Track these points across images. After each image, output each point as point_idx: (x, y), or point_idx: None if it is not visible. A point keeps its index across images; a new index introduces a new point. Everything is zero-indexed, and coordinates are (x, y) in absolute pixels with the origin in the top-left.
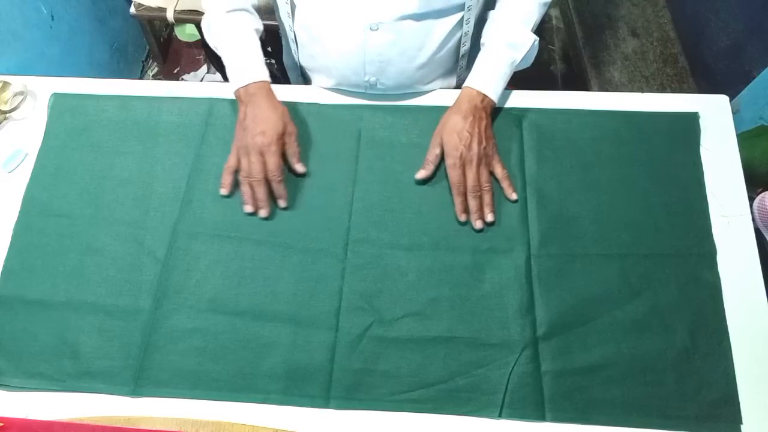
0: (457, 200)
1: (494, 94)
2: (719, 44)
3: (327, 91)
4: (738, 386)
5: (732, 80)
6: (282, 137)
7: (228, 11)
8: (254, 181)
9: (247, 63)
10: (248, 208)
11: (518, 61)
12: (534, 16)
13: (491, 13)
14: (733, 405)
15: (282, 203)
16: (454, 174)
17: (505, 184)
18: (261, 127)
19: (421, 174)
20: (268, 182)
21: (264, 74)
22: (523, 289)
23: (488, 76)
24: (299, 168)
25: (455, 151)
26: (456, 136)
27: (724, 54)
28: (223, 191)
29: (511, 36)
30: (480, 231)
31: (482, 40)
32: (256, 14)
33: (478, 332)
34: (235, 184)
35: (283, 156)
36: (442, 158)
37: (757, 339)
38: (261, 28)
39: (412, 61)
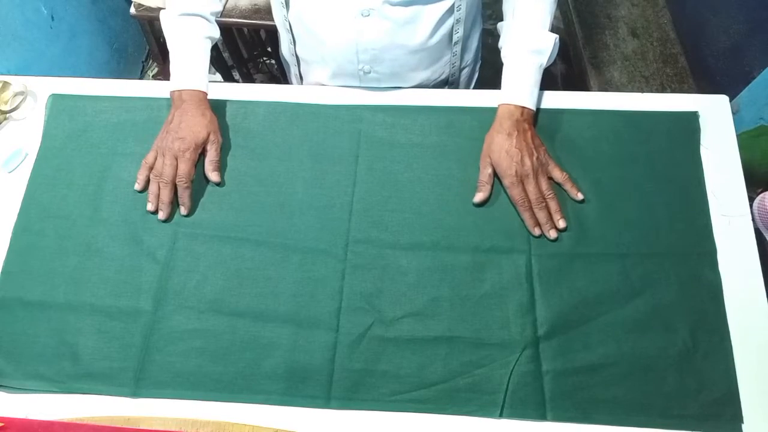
0: (526, 216)
1: (531, 103)
2: (719, 44)
3: (324, 86)
4: (739, 385)
5: (732, 80)
6: (201, 146)
7: (180, 14)
8: (162, 183)
9: (187, 69)
10: (150, 207)
11: (545, 63)
12: (548, 17)
13: (505, 24)
14: (734, 404)
15: (183, 210)
16: (515, 192)
17: (567, 186)
18: (182, 134)
19: (479, 197)
20: (175, 187)
21: (201, 84)
22: (524, 289)
23: (521, 88)
24: (213, 177)
25: (510, 171)
26: (506, 155)
27: (724, 54)
28: (137, 187)
29: (534, 42)
30: (554, 240)
31: (504, 53)
32: (212, 21)
33: (479, 332)
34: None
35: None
36: (496, 177)
37: (758, 338)
38: (216, 35)
39: (404, 48)
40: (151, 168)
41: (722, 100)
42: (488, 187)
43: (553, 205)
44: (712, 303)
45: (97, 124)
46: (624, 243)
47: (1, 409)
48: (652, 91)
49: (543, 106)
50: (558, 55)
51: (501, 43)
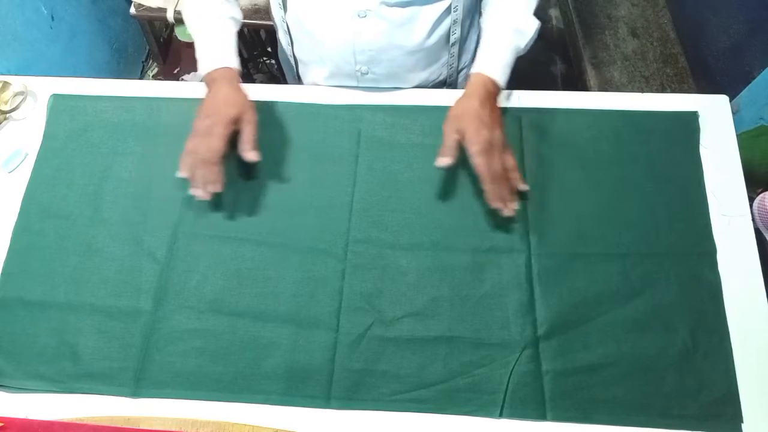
0: (490, 188)
1: (502, 80)
2: (719, 44)
3: (322, 87)
4: (739, 385)
5: (732, 80)
6: (231, 123)
7: None
8: (198, 162)
9: (215, 49)
10: (191, 190)
11: (521, 48)
12: (534, 2)
13: (489, 1)
14: (734, 404)
15: (212, 188)
16: (481, 161)
17: (514, 174)
18: (211, 111)
19: (445, 161)
20: (211, 165)
21: (232, 61)
22: (524, 289)
23: (496, 62)
24: (250, 156)
25: (479, 137)
26: (479, 121)
27: (724, 54)
28: (181, 174)
29: (517, 21)
30: (510, 217)
31: (484, 26)
32: (234, 3)
33: (479, 332)
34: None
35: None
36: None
37: (758, 338)
38: (239, 17)
39: (401, 49)
40: (190, 153)
41: (722, 100)
42: (454, 152)
43: (514, 186)
44: (711, 303)
45: (98, 124)
46: (624, 243)
47: (1, 409)
48: (652, 91)
49: (543, 106)
50: (558, 55)
51: (482, 19)
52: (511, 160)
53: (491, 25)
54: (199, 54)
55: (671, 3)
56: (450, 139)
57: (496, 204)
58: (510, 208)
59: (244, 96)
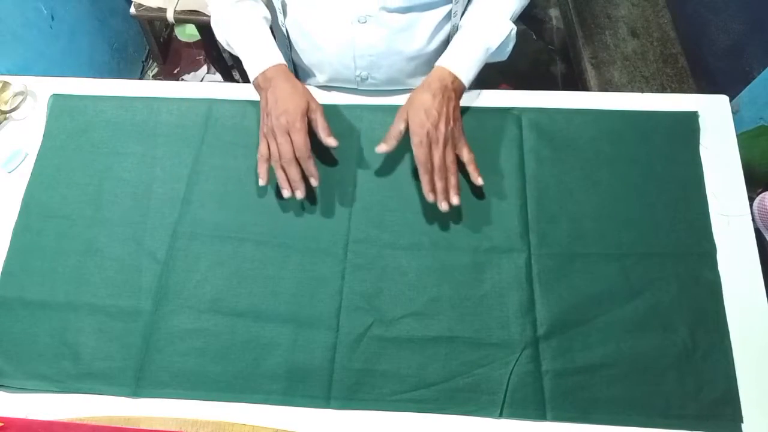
0: (424, 179)
1: (465, 78)
2: (719, 44)
3: (321, 89)
4: (738, 385)
5: (732, 80)
6: (306, 114)
7: (235, 2)
8: (285, 162)
9: (260, 50)
10: (285, 193)
11: (493, 49)
12: (513, 7)
13: (473, 1)
14: (734, 404)
15: (314, 182)
16: (420, 152)
17: (471, 168)
18: (283, 107)
19: (382, 148)
20: (299, 162)
21: (279, 58)
22: (524, 289)
23: (461, 59)
24: (331, 142)
25: (421, 129)
26: (423, 113)
27: (724, 54)
28: (261, 182)
29: (489, 21)
30: (445, 212)
31: (460, 23)
32: (261, 3)
33: (479, 332)
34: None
35: (312, 134)
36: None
37: (757, 338)
38: (269, 16)
39: (401, 55)
40: (266, 159)
41: (722, 100)
42: (394, 141)
43: (453, 180)
44: (711, 303)
45: (98, 123)
46: (624, 243)
47: (1, 409)
48: (652, 91)
49: (543, 106)
50: (558, 55)
51: (464, 15)
52: (465, 155)
53: (463, 22)
54: (246, 59)
55: (671, 3)
56: (395, 128)
57: (428, 196)
58: (441, 203)
59: (303, 86)
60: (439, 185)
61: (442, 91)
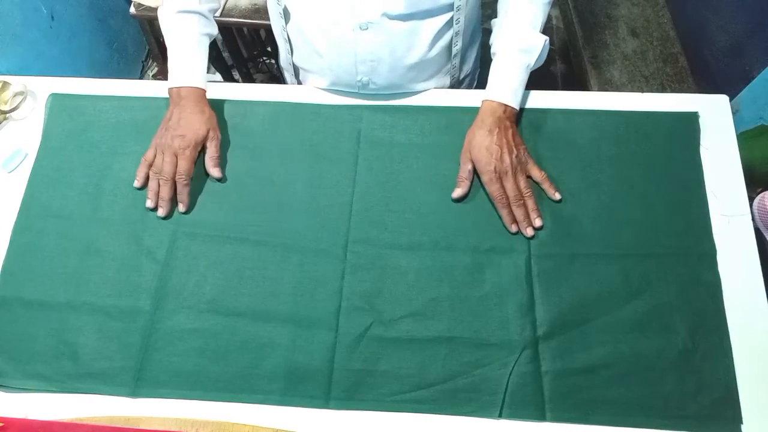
0: (504, 212)
1: (515, 102)
2: (719, 44)
3: (322, 91)
4: (738, 386)
5: (732, 80)
6: (200, 144)
7: (178, 11)
8: (162, 180)
9: (185, 66)
10: (149, 204)
11: (533, 64)
12: (540, 18)
13: (497, 21)
14: (734, 404)
15: (182, 208)
16: (493, 189)
17: (545, 186)
18: (182, 131)
19: (458, 193)
20: (174, 184)
21: (199, 81)
22: (523, 289)
23: (506, 85)
24: (214, 173)
25: (489, 167)
26: (486, 151)
27: (724, 54)
28: (136, 183)
29: (523, 41)
30: (531, 238)
31: (493, 50)
32: (210, 18)
33: (478, 332)
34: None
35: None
36: (475, 173)
37: (757, 339)
38: (214, 32)
39: (403, 61)
40: (150, 165)
41: (722, 100)
42: (467, 183)
43: (531, 204)
44: (711, 303)
45: (97, 123)
46: (624, 243)
47: (1, 409)
48: (652, 91)
49: (543, 106)
50: (558, 55)
51: (491, 40)
52: (536, 175)
53: (498, 47)
54: (171, 66)
55: (671, 3)
56: (463, 170)
57: (511, 227)
58: (526, 230)
59: (211, 115)
60: (518, 214)
61: (497, 124)
